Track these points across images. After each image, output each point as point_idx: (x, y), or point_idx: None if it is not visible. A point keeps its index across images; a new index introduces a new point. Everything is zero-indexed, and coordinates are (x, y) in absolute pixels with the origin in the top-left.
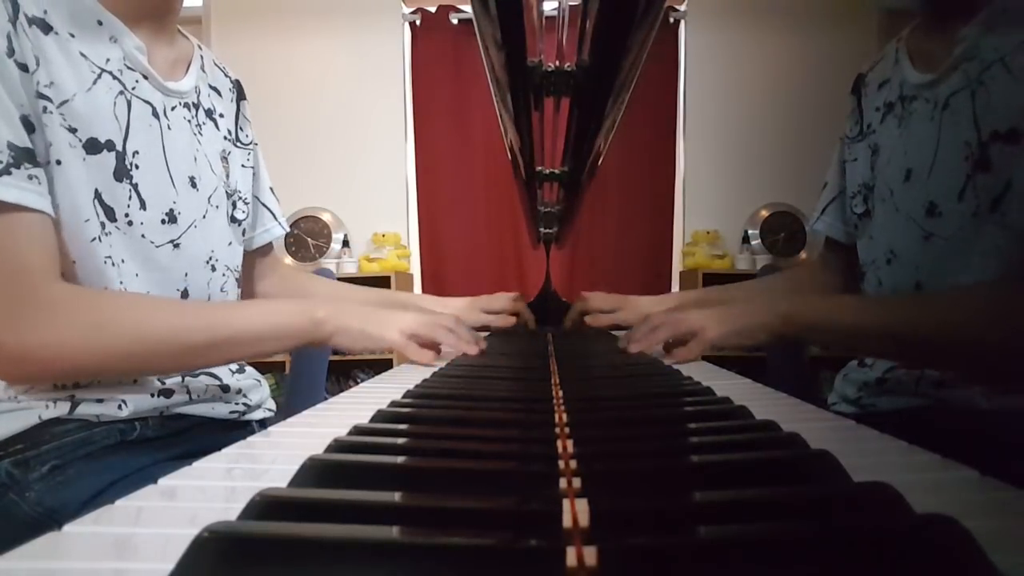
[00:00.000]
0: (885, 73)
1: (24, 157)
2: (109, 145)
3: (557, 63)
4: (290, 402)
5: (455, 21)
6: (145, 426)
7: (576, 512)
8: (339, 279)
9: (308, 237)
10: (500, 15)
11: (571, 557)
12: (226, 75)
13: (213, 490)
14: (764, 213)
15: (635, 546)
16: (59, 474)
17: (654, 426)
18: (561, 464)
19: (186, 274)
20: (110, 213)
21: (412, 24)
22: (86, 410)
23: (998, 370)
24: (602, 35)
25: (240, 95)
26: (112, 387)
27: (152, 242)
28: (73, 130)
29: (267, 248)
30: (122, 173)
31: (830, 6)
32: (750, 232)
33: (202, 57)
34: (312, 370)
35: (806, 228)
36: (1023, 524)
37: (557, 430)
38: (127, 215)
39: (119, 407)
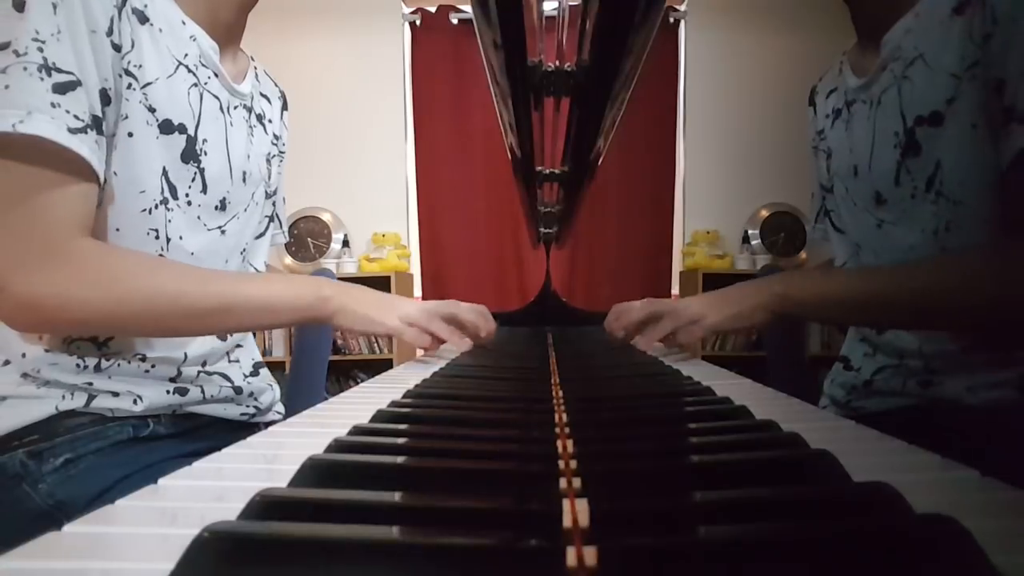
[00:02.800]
0: (832, 83)
1: (95, 124)
2: (181, 128)
3: (557, 63)
4: (290, 402)
5: (455, 21)
6: (158, 423)
7: (576, 512)
8: (339, 279)
9: (308, 237)
10: (500, 15)
11: (571, 557)
12: (276, 85)
13: (213, 490)
14: (764, 213)
15: (635, 546)
16: (71, 468)
17: (654, 426)
18: (561, 464)
19: (227, 260)
20: (174, 191)
21: (412, 24)
22: (101, 403)
23: (990, 326)
24: (602, 35)
25: (284, 105)
26: (128, 381)
27: (205, 224)
28: (152, 110)
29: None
30: (190, 156)
31: (830, 6)
32: (750, 232)
33: (255, 68)
34: (312, 370)
35: (806, 228)
36: (1023, 524)
37: (557, 430)
38: (187, 195)
39: (134, 402)
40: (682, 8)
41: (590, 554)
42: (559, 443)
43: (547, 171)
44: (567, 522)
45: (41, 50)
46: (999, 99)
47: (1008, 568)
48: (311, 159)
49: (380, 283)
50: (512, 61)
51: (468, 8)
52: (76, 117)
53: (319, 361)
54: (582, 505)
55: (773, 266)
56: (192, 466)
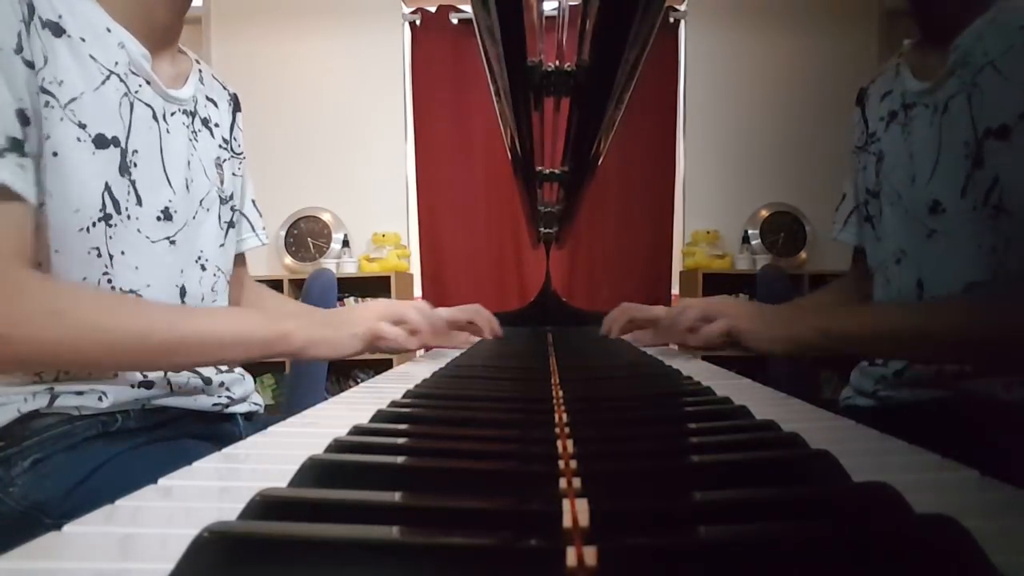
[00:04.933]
0: (887, 85)
1: (14, 147)
2: (115, 141)
3: (557, 63)
4: (290, 402)
5: (455, 21)
6: (127, 418)
7: (576, 512)
8: (339, 279)
9: (308, 237)
10: (500, 15)
11: (571, 557)
12: (224, 88)
13: (213, 490)
14: (764, 213)
15: (635, 546)
16: (42, 467)
17: (654, 426)
18: (561, 464)
19: (182, 271)
20: (116, 206)
21: (412, 24)
22: (66, 402)
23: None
24: (602, 35)
25: (236, 107)
26: (92, 379)
27: (148, 237)
28: (83, 125)
29: (241, 258)
30: (123, 169)
31: (831, 7)
32: (750, 232)
33: (200, 71)
34: (312, 370)
35: (806, 228)
36: (1023, 524)
37: (557, 430)
38: (127, 209)
39: (99, 399)
40: (682, 8)
41: (590, 554)
42: (559, 443)
43: (547, 171)
44: (567, 522)
45: None
46: None
47: (1008, 568)
48: (311, 159)
49: (380, 283)
50: (512, 61)
51: (468, 8)
52: None
53: (319, 361)
54: (582, 505)
55: (773, 266)
56: (192, 466)
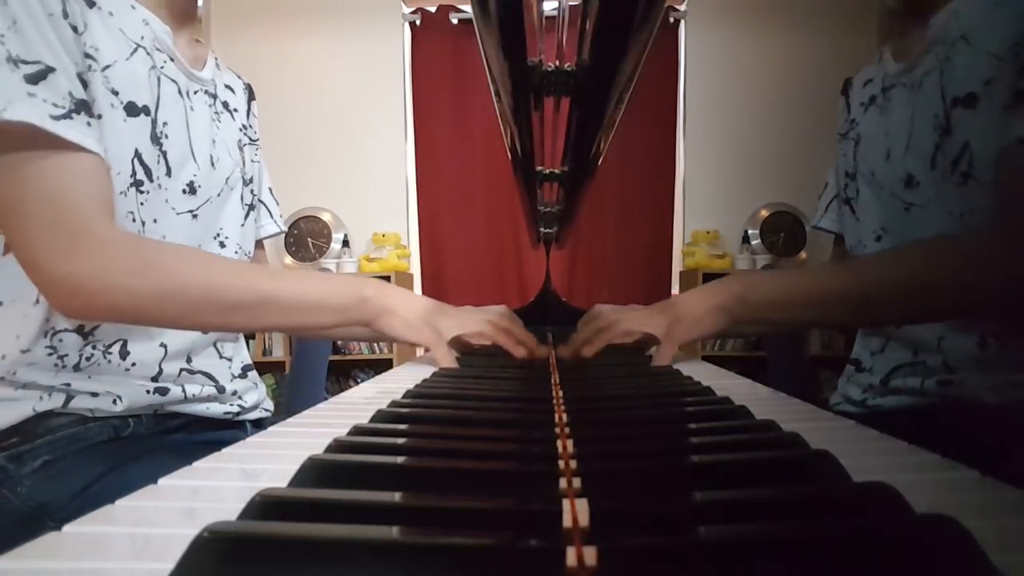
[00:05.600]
0: (870, 73)
1: (83, 107)
2: (145, 110)
3: (557, 63)
4: (290, 402)
5: (455, 21)
6: (139, 423)
7: (576, 512)
8: None
9: (308, 237)
10: (500, 15)
11: (571, 557)
12: (238, 77)
13: (213, 490)
14: (764, 213)
15: (635, 546)
16: (51, 468)
17: (654, 426)
18: (561, 464)
19: (199, 245)
20: (148, 173)
21: (412, 24)
22: (80, 404)
23: (997, 311)
24: (602, 35)
25: (251, 96)
26: (107, 381)
27: (174, 208)
28: (115, 92)
29: (260, 244)
30: (154, 139)
31: (830, 6)
32: (750, 232)
33: (216, 59)
34: (312, 370)
35: (806, 228)
36: (1023, 524)
37: (557, 430)
38: (158, 179)
39: (114, 402)
40: (682, 8)
41: (590, 554)
42: (559, 443)
43: (547, 171)
44: (567, 522)
45: (3, 43)
46: (1020, 80)
47: (1008, 568)
48: (311, 159)
49: None
50: (512, 61)
51: (468, 8)
52: (55, 105)
53: (319, 361)
54: (582, 505)
55: (773, 266)
56: (192, 466)
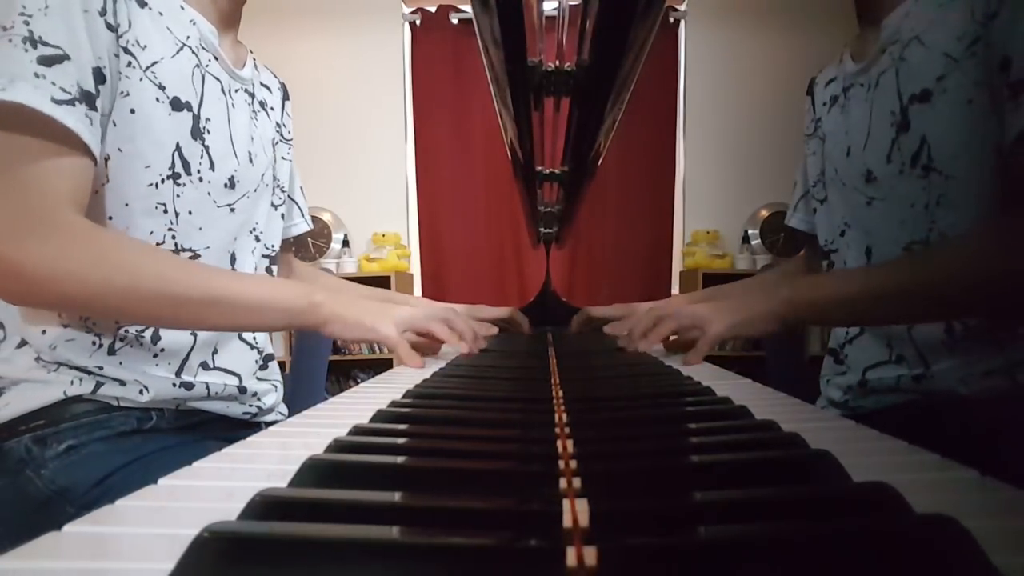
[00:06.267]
0: (832, 73)
1: (85, 98)
2: (188, 106)
3: (557, 63)
4: (290, 402)
5: (455, 21)
6: (161, 416)
7: (576, 512)
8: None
9: (308, 237)
10: (500, 15)
11: (571, 557)
12: (275, 76)
13: (213, 490)
14: (764, 213)
15: (635, 546)
16: (74, 454)
17: (654, 426)
18: (561, 464)
19: (235, 238)
20: (187, 167)
21: (412, 24)
22: (108, 391)
23: (1000, 303)
24: (602, 35)
25: (285, 95)
26: (136, 370)
27: (215, 201)
28: (162, 87)
29: (289, 243)
30: (196, 133)
31: (830, 6)
32: (750, 232)
33: (255, 60)
34: (312, 370)
35: None
36: (1023, 524)
37: (557, 430)
38: (199, 172)
39: (140, 392)
40: (682, 8)
41: (590, 554)
42: (559, 443)
43: (547, 171)
44: (567, 522)
45: (27, 23)
46: (1004, 76)
47: (1008, 568)
48: (311, 159)
49: (380, 283)
50: (512, 61)
51: (468, 8)
52: (63, 89)
53: (319, 361)
54: (582, 505)
55: (773, 266)
56: (192, 466)
